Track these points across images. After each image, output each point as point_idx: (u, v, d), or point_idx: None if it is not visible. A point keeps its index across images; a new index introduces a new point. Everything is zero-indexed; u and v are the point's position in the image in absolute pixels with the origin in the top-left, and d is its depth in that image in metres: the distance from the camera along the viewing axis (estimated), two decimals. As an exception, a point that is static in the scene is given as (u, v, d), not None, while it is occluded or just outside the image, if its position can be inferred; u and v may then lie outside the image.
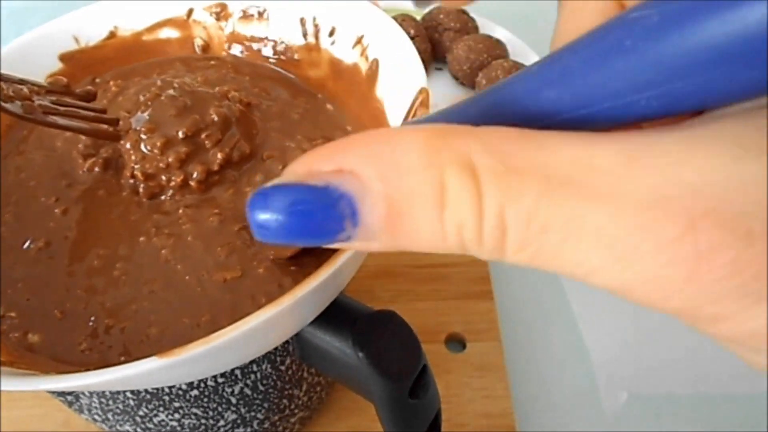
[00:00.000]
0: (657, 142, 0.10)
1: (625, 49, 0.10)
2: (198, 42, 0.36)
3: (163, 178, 0.27)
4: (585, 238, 0.10)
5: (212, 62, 0.35)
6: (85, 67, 0.34)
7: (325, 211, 0.11)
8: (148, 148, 0.27)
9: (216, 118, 0.28)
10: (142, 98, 0.29)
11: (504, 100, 0.12)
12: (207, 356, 0.19)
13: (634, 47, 0.09)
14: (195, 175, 0.27)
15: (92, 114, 0.28)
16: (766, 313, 0.09)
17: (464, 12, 0.60)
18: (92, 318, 0.24)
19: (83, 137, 0.29)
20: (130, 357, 0.23)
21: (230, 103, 0.29)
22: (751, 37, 0.08)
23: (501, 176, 0.10)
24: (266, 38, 0.35)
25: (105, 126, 0.28)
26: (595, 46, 0.10)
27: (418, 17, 0.61)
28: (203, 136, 0.27)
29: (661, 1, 0.09)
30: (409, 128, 0.12)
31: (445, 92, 0.58)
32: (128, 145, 0.27)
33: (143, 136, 0.27)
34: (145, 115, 0.27)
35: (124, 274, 0.25)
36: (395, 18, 0.58)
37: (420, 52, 0.61)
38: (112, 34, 0.35)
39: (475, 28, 0.60)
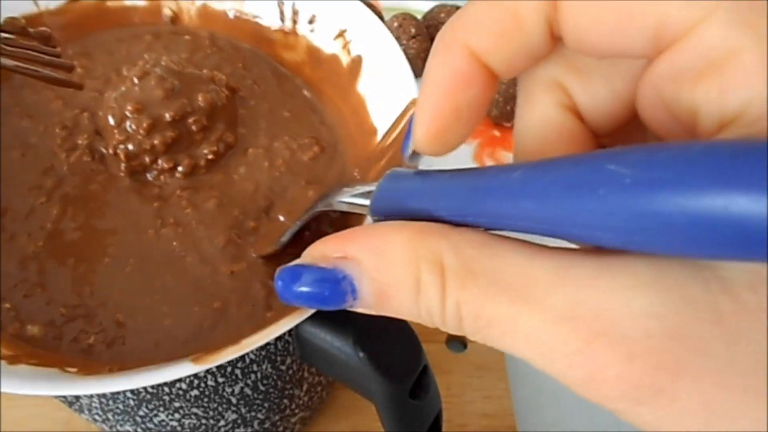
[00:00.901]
0: (578, 265, 0.12)
1: (597, 196, 0.11)
2: (167, 12, 0.35)
3: (147, 158, 0.27)
4: (518, 335, 0.13)
5: (186, 37, 0.34)
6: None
7: (333, 287, 0.15)
8: (134, 128, 0.27)
9: (203, 104, 0.27)
10: (125, 72, 0.28)
11: (487, 193, 0.13)
12: None
13: (605, 198, 0.11)
14: (181, 169, 0.27)
15: (47, 57, 0.27)
16: (648, 414, 0.12)
17: (465, 11, 0.60)
18: (101, 314, 0.24)
19: (57, 130, 0.29)
20: (145, 352, 0.23)
21: (217, 87, 0.29)
22: (711, 225, 0.10)
23: (460, 276, 0.13)
24: (240, 15, 0.34)
25: (61, 74, 0.27)
26: (574, 180, 0.11)
27: (419, 16, 0.60)
28: (190, 120, 0.27)
29: (638, 159, 0.11)
30: (398, 226, 0.15)
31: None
32: (111, 121, 0.27)
33: (129, 115, 0.27)
34: (125, 89, 0.27)
35: (137, 270, 0.25)
36: (396, 16, 0.58)
37: (421, 51, 0.61)
38: None
39: (476, 27, 0.60)
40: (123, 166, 0.27)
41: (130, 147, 0.27)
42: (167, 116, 0.27)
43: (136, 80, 0.27)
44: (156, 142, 0.27)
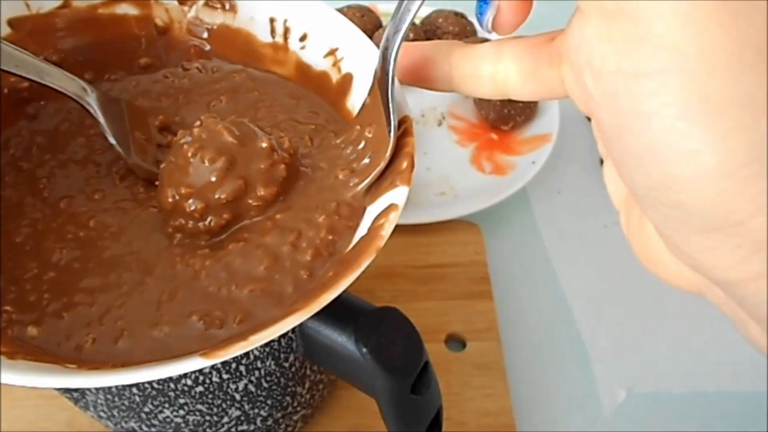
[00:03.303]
0: None
1: None
2: (158, 22, 0.35)
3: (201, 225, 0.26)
4: None
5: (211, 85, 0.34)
6: (35, 35, 0.32)
7: None
8: (207, 164, 0.25)
9: (264, 194, 0.26)
10: (180, 138, 0.27)
11: None
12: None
13: None
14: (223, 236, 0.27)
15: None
16: None
17: (463, 16, 0.60)
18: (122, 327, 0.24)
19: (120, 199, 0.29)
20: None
21: (278, 158, 0.26)
22: None
23: None
24: (229, 28, 0.34)
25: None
26: None
27: (417, 21, 0.61)
28: (251, 202, 0.26)
29: None
30: None
31: (444, 95, 0.59)
32: (185, 161, 0.25)
33: (182, 197, 0.25)
34: (180, 165, 0.26)
35: (191, 296, 0.25)
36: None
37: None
38: (65, 3, 0.33)
39: (474, 32, 0.60)
40: (179, 236, 0.26)
41: (201, 198, 0.25)
42: (222, 197, 0.25)
43: (190, 156, 0.25)
44: (212, 224, 0.26)
